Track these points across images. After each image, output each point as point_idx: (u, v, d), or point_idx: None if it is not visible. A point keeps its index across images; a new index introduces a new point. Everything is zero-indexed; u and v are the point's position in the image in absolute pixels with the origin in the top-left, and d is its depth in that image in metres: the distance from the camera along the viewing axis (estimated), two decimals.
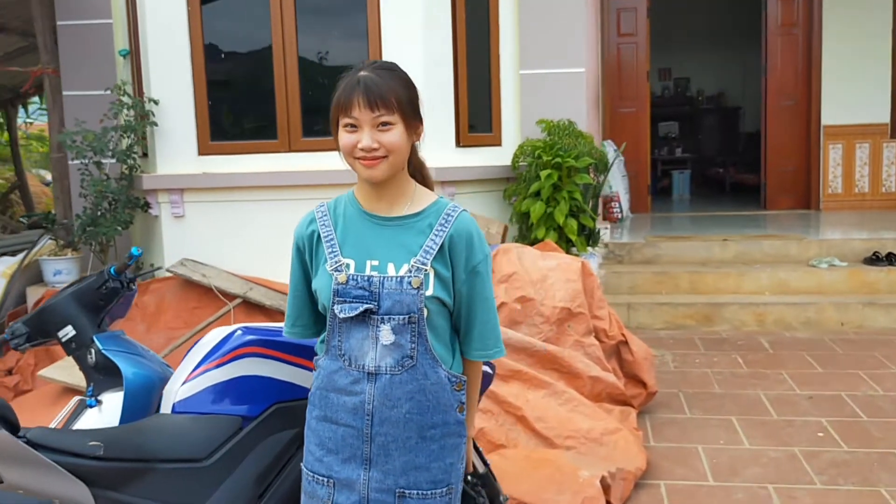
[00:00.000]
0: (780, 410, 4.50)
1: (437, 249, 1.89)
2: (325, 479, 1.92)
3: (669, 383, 5.18)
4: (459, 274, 1.93)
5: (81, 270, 5.72)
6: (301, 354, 2.32)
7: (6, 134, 12.12)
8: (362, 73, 1.87)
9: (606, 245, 7.37)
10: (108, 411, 2.36)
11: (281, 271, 5.33)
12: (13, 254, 5.99)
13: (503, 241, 4.96)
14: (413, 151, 2.00)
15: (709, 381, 5.08)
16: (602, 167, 5.29)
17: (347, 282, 1.87)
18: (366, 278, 1.86)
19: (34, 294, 5.59)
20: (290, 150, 5.44)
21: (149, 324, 5.46)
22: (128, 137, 5.42)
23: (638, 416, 4.60)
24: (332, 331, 1.90)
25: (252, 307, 5.17)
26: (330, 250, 1.91)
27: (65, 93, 6.15)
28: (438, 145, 5.34)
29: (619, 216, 8.67)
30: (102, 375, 2.47)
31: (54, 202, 6.26)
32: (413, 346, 1.88)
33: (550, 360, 4.22)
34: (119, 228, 5.47)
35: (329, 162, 5.38)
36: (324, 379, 1.93)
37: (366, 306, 1.85)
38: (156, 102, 5.43)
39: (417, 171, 2.04)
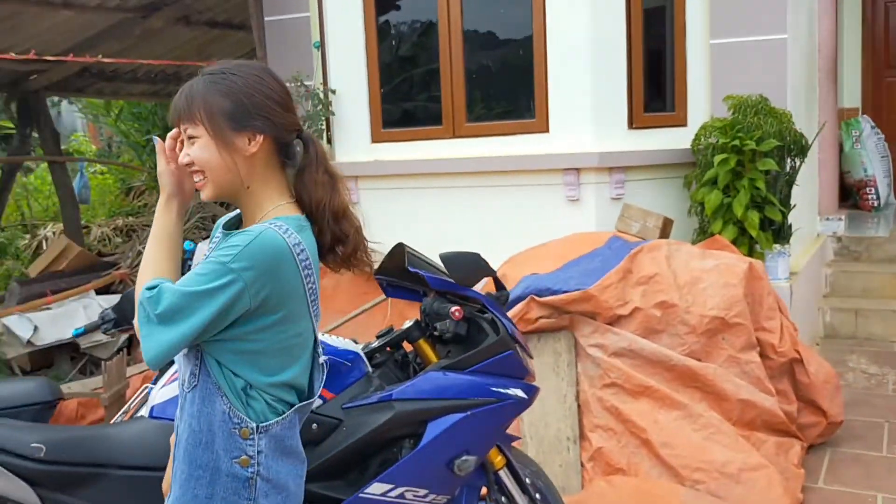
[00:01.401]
0: None
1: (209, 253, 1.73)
2: None
3: (878, 411, 4.31)
4: None
5: None
6: None
7: None
8: (193, 80, 1.75)
9: (840, 239, 6.31)
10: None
11: None
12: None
13: (665, 236, 4.39)
14: (304, 168, 1.76)
15: None
16: (798, 151, 4.46)
17: None
18: None
19: None
20: (455, 136, 5.29)
21: (324, 306, 5.64)
22: (309, 128, 5.62)
23: (814, 450, 3.87)
24: None
25: None
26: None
27: None
28: (606, 127, 4.88)
29: (876, 204, 7.41)
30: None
31: None
32: (197, 362, 1.70)
33: (691, 377, 3.66)
34: None
35: (493, 148, 5.16)
36: None
37: None
38: (333, 92, 5.56)
39: (307, 192, 1.78)
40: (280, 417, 1.73)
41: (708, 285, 3.81)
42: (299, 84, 5.57)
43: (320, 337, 2.30)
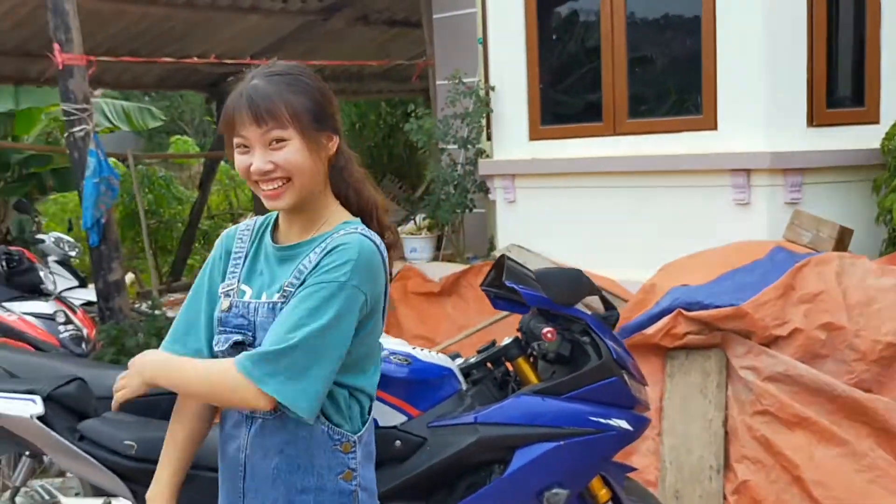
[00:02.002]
0: None
1: (305, 273, 1.58)
2: None
3: None
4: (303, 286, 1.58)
5: (434, 249, 6.11)
6: None
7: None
8: (251, 82, 1.60)
9: None
10: None
11: (603, 263, 5.01)
12: None
13: (841, 248, 3.90)
14: (341, 167, 1.66)
15: None
16: None
17: (230, 309, 1.64)
18: (245, 304, 1.63)
19: (396, 268, 6.14)
20: (615, 134, 5.02)
21: (478, 305, 5.58)
22: (468, 125, 5.58)
23: None
24: None
25: None
26: (232, 271, 1.69)
27: (438, 82, 6.58)
28: (782, 124, 4.41)
29: None
30: None
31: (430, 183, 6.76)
32: None
33: (857, 411, 3.24)
34: (458, 212, 5.69)
35: (656, 146, 4.85)
36: (221, 419, 1.74)
37: (236, 338, 1.60)
38: (492, 88, 5.48)
39: (352, 190, 1.68)
40: (368, 424, 1.71)
41: (884, 306, 3.34)
42: (457, 81, 5.53)
43: (409, 350, 2.22)
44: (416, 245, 6.09)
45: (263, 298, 1.63)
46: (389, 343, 2.30)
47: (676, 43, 4.91)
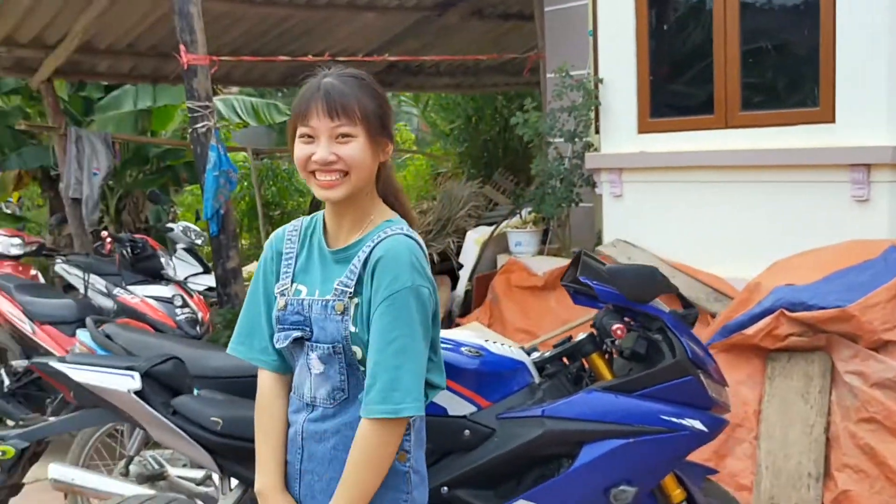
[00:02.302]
0: None
1: (358, 272, 1.67)
2: None
3: None
4: (374, 303, 1.64)
5: (539, 243, 6.10)
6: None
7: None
8: (326, 79, 1.69)
9: None
10: None
11: (712, 259, 4.88)
12: (490, 224, 6.68)
13: None
14: (386, 174, 1.73)
15: None
16: None
17: (286, 307, 1.73)
18: (300, 302, 1.72)
19: (502, 261, 6.18)
20: (727, 127, 4.85)
21: (547, 318, 5.50)
22: (576, 118, 5.54)
23: None
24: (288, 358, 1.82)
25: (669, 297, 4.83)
26: (284, 271, 1.78)
27: (548, 75, 6.55)
28: None
29: None
30: None
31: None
32: (343, 377, 1.68)
33: None
34: (563, 206, 5.65)
35: (769, 140, 4.66)
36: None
37: (295, 334, 1.70)
38: (601, 81, 5.41)
39: (393, 196, 1.76)
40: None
41: None
42: (564, 75, 5.49)
43: (482, 343, 2.27)
44: (521, 239, 6.10)
45: (317, 296, 1.73)
46: (464, 335, 2.35)
47: (792, 31, 4.68)
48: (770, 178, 4.65)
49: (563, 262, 5.55)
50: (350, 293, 1.68)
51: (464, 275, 6.45)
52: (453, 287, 6.50)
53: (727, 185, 4.87)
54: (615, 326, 2.22)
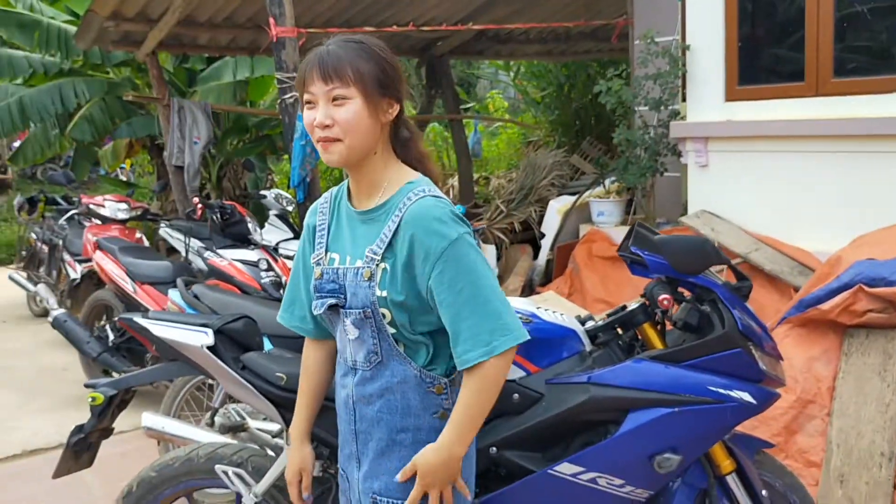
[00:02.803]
0: None
1: (388, 240, 1.73)
2: (343, 474, 1.93)
3: None
4: (422, 269, 1.70)
5: (623, 213, 6.05)
6: None
7: None
8: (327, 47, 1.76)
9: None
10: None
11: (798, 232, 4.75)
12: (573, 194, 6.65)
13: None
14: (407, 137, 1.77)
15: None
16: None
17: (322, 276, 1.82)
18: (335, 270, 1.80)
19: (584, 231, 6.17)
20: (818, 94, 4.67)
21: (616, 294, 5.44)
22: (661, 86, 5.43)
23: None
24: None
25: (753, 270, 4.73)
26: (318, 241, 1.87)
27: (635, 42, 6.42)
28: None
29: None
30: None
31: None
32: (375, 341, 1.77)
33: None
34: (647, 176, 5.58)
35: (862, 108, 4.48)
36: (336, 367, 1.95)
37: (330, 301, 1.79)
38: (688, 48, 5.28)
39: (417, 161, 1.81)
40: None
41: None
42: (650, 41, 5.39)
43: (533, 310, 2.33)
44: (604, 209, 6.07)
45: (348, 263, 1.82)
46: (517, 303, 2.40)
47: None
48: (863, 149, 4.47)
49: None
50: (378, 260, 1.76)
51: (545, 244, 6.47)
52: (535, 256, 6.53)
53: (817, 155, 4.71)
54: (662, 297, 2.24)
